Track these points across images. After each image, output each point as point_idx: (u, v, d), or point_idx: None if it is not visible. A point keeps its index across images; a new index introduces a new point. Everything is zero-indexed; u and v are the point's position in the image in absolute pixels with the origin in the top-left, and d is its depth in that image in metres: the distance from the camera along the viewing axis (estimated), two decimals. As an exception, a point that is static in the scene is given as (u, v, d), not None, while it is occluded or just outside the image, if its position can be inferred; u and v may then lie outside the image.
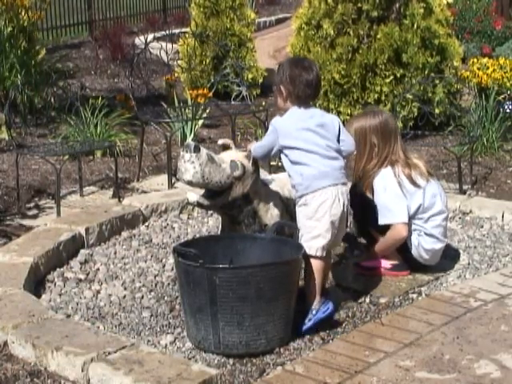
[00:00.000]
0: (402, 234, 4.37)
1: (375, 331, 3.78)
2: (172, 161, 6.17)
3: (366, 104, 7.49)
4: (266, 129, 6.99)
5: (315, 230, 3.83)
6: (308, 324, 3.83)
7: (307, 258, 3.85)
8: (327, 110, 7.62)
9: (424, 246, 4.47)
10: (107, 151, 6.86)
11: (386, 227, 4.40)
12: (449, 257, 4.74)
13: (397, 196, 4.37)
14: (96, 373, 3.33)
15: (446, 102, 7.58)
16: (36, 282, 4.39)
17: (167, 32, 8.15)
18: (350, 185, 4.18)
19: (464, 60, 8.83)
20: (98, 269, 4.64)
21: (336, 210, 3.85)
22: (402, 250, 4.48)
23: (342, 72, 7.47)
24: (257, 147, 4.01)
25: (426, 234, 4.46)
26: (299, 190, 3.87)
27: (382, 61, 7.39)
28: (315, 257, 3.85)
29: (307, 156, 3.85)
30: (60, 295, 4.29)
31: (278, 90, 3.97)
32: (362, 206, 4.50)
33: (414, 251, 4.48)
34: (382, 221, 4.39)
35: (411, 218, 4.41)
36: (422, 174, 4.45)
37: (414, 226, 4.45)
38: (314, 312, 3.83)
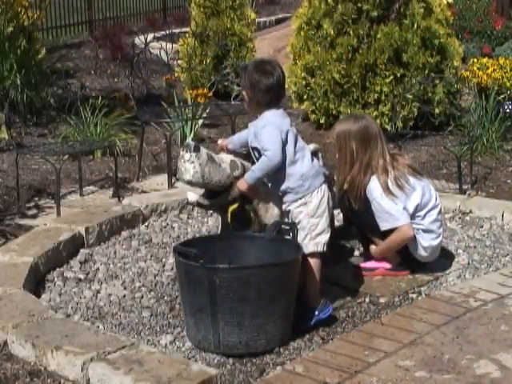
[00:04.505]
0: (409, 234, 4.38)
1: (375, 331, 3.78)
2: (172, 161, 6.16)
3: (366, 104, 7.50)
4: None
5: (319, 227, 3.90)
6: (309, 324, 3.87)
7: (305, 258, 3.88)
8: (327, 109, 7.64)
9: (423, 243, 4.46)
10: (107, 151, 6.85)
11: (387, 232, 4.41)
12: (449, 257, 4.74)
13: (392, 200, 4.35)
14: (96, 372, 3.33)
15: (446, 101, 7.57)
16: (36, 282, 4.39)
17: (167, 32, 8.13)
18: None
19: (464, 60, 8.81)
20: (98, 268, 4.64)
21: (330, 203, 4.00)
22: (401, 249, 4.47)
23: (342, 72, 7.47)
24: (274, 151, 3.81)
25: (423, 230, 4.45)
26: (299, 191, 3.90)
27: (382, 61, 7.38)
28: (317, 254, 3.90)
29: (302, 152, 3.92)
30: (60, 295, 4.29)
31: (242, 94, 4.02)
32: (354, 213, 4.50)
33: (413, 250, 4.47)
34: (384, 226, 4.37)
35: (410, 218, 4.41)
36: (412, 174, 4.45)
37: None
38: (316, 313, 3.87)
